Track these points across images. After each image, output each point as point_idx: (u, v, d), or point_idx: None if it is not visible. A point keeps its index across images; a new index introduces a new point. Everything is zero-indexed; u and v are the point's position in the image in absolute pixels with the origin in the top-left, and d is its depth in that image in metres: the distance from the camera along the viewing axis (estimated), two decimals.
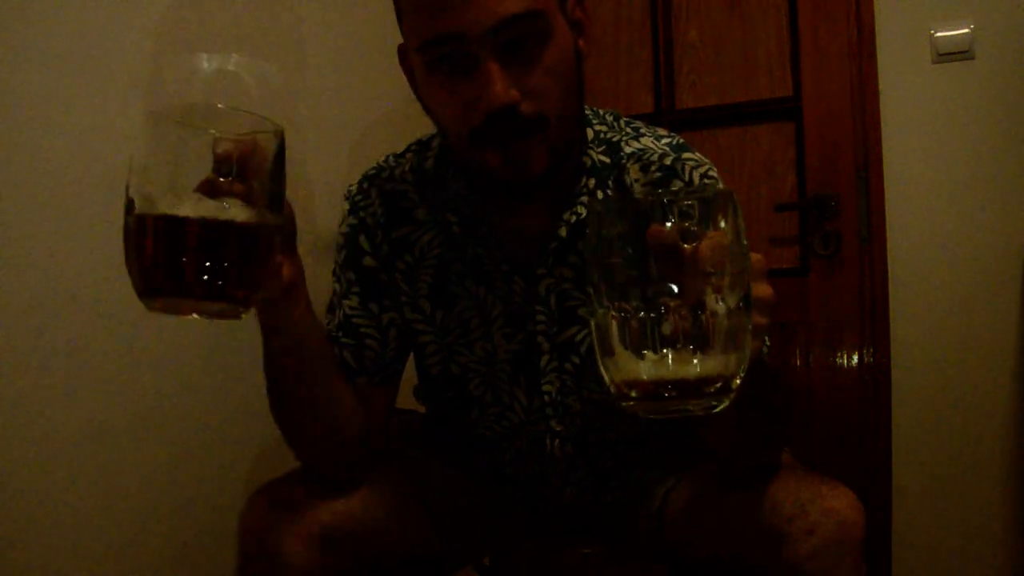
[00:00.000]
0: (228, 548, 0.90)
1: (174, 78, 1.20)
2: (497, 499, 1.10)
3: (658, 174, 0.93)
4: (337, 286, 0.99)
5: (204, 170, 0.62)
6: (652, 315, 0.53)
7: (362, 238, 0.98)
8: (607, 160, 0.95)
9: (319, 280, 1.09)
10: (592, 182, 0.93)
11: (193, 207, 0.60)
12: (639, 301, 0.53)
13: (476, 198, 0.95)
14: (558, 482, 1.05)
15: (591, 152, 0.94)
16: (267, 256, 0.65)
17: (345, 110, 1.62)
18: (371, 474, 0.96)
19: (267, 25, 1.43)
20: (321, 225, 1.46)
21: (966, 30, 1.72)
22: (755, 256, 0.63)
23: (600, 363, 0.57)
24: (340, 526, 0.90)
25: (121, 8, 1.14)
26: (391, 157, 1.03)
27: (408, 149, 1.03)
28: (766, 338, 0.87)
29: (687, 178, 0.92)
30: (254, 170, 0.63)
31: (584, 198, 0.93)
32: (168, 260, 0.60)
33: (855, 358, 1.80)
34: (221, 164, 0.62)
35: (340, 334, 0.96)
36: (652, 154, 0.94)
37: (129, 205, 0.61)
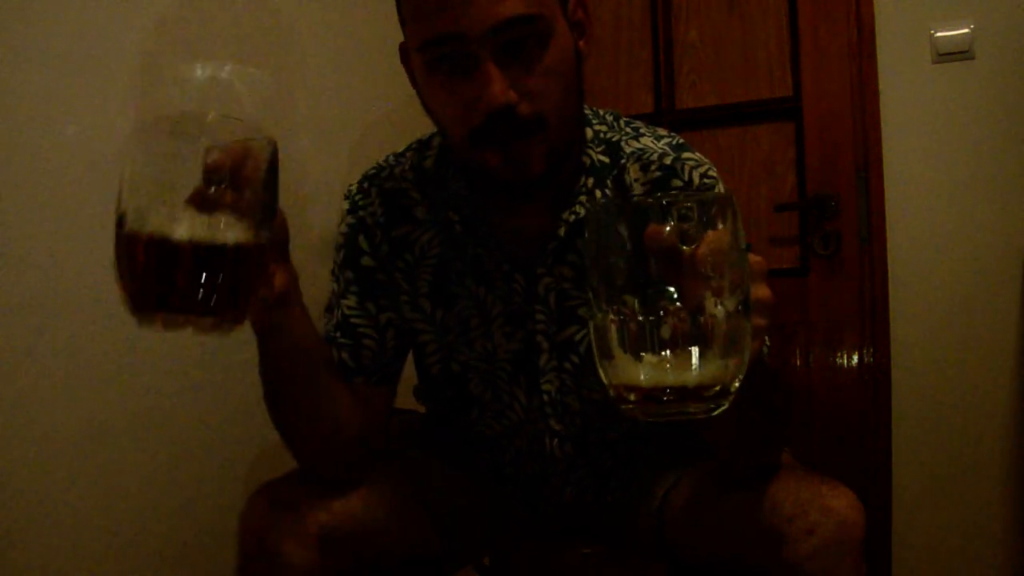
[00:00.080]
0: (228, 548, 0.90)
1: (172, 79, 1.20)
2: (497, 499, 1.10)
3: (658, 174, 0.93)
4: (335, 286, 0.99)
5: (196, 179, 0.61)
6: (651, 318, 0.53)
7: (361, 238, 0.98)
8: (606, 160, 0.95)
9: (319, 280, 1.09)
10: (591, 181, 0.93)
11: (184, 225, 0.59)
12: (638, 304, 0.53)
13: (476, 197, 0.95)
14: (558, 482, 1.05)
15: (590, 152, 0.94)
16: (258, 271, 0.64)
17: (345, 110, 1.62)
18: (371, 474, 0.96)
19: (267, 25, 1.43)
20: (321, 225, 1.46)
21: (966, 30, 1.72)
22: (755, 258, 0.63)
23: (599, 366, 0.57)
24: (340, 526, 0.90)
25: (121, 8, 1.14)
26: (391, 156, 1.03)
27: (408, 148, 1.03)
28: (766, 338, 0.88)
29: (687, 178, 0.92)
30: (246, 180, 0.62)
31: (583, 197, 0.93)
32: (159, 280, 0.59)
33: (855, 358, 1.80)
34: (212, 174, 0.60)
35: (338, 334, 0.96)
36: (652, 154, 0.94)
37: (121, 219, 0.60)
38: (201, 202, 0.60)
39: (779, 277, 1.86)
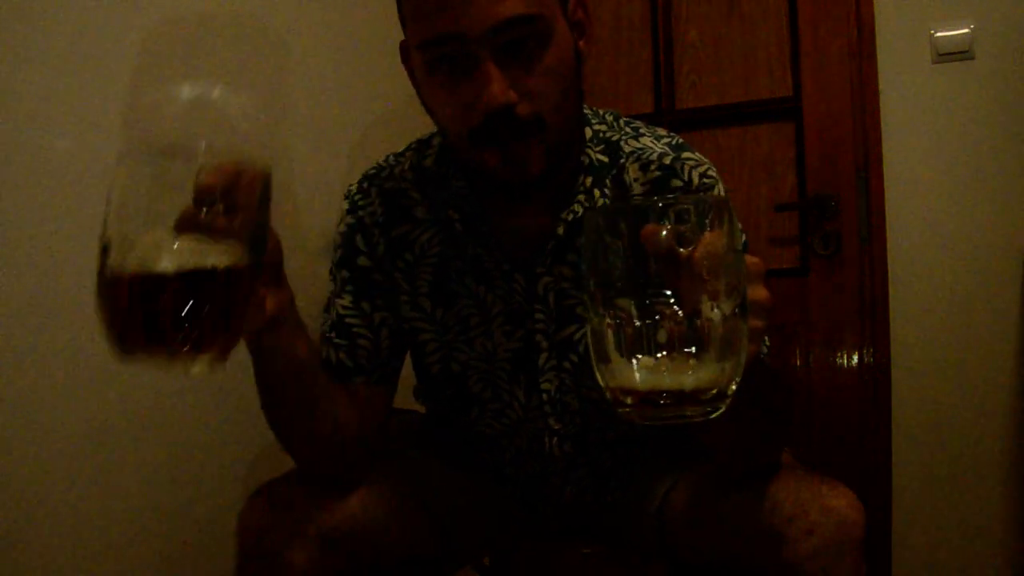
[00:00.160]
0: (228, 548, 0.90)
1: (161, 102, 1.19)
2: (497, 499, 1.10)
3: (657, 173, 0.93)
4: (332, 285, 0.99)
5: (185, 201, 0.59)
6: (647, 322, 0.53)
7: (359, 238, 0.98)
8: (606, 159, 0.95)
9: (319, 280, 1.09)
10: (590, 181, 0.93)
11: (172, 253, 0.56)
12: (634, 308, 0.53)
13: (476, 197, 0.95)
14: (558, 481, 1.05)
15: (589, 151, 0.94)
16: (248, 299, 0.62)
17: (345, 110, 1.62)
18: (370, 474, 0.96)
19: (267, 24, 1.43)
20: (321, 225, 1.46)
21: (966, 30, 1.72)
22: (752, 259, 0.63)
23: (596, 370, 0.57)
24: (339, 526, 0.90)
25: (121, 8, 1.15)
26: (391, 156, 1.03)
27: (408, 148, 1.03)
28: (766, 339, 0.88)
29: (686, 177, 0.92)
30: (238, 202, 0.60)
31: (582, 197, 0.93)
32: (145, 311, 0.57)
33: (855, 358, 1.81)
34: (204, 194, 0.58)
35: (333, 334, 0.96)
36: (651, 153, 0.94)
37: (105, 248, 0.58)
38: (190, 226, 0.58)
39: (779, 277, 1.87)
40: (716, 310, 0.53)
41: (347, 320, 0.97)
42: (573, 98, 0.87)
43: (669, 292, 0.53)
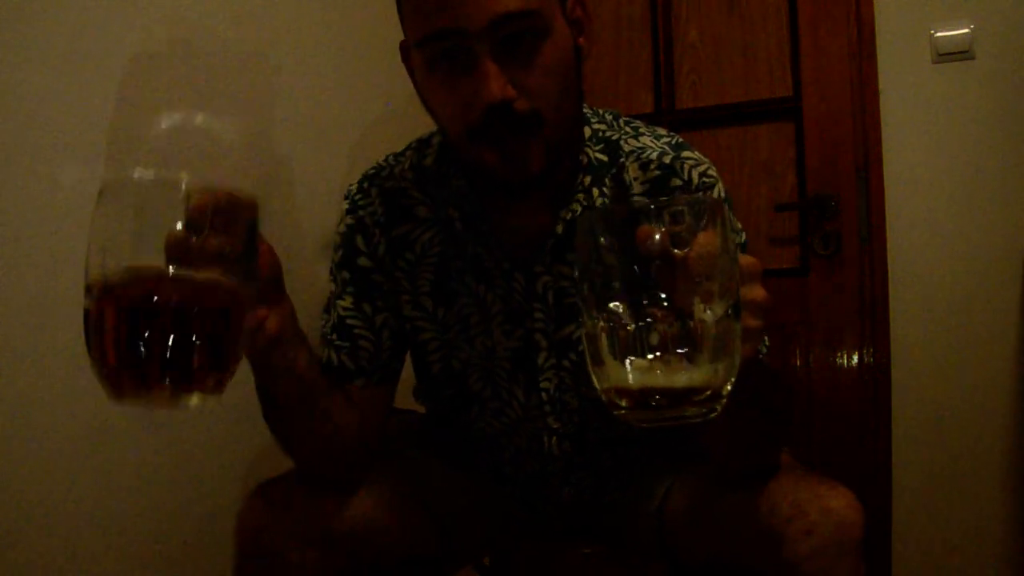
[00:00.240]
0: (228, 548, 0.90)
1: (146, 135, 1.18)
2: (497, 499, 1.10)
3: (657, 172, 0.93)
4: (333, 286, 0.99)
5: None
6: (640, 324, 0.53)
7: (359, 238, 0.98)
8: (605, 158, 0.95)
9: (319, 281, 1.09)
10: (589, 180, 0.93)
11: (158, 293, 0.54)
12: (627, 310, 0.53)
13: (476, 195, 0.95)
14: (557, 481, 1.05)
15: (589, 150, 0.94)
16: (239, 337, 0.60)
17: (345, 110, 1.63)
18: (370, 474, 0.96)
19: (267, 24, 1.43)
20: (321, 225, 1.46)
21: (966, 30, 1.72)
22: (749, 259, 0.63)
23: (591, 372, 0.57)
24: (339, 526, 0.90)
25: (122, 7, 1.15)
26: (391, 156, 1.03)
27: (408, 148, 1.03)
28: (765, 338, 0.88)
29: (686, 177, 0.92)
30: (228, 232, 0.58)
31: (581, 196, 0.93)
32: (130, 358, 0.55)
33: (855, 358, 1.80)
34: (194, 218, 0.56)
35: (334, 336, 0.96)
36: (651, 152, 0.94)
37: (88, 288, 0.56)
38: (180, 253, 0.56)
39: (779, 277, 1.87)
40: (709, 311, 0.53)
41: (348, 321, 0.96)
42: (572, 95, 0.87)
43: (662, 294, 0.53)
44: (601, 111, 1.01)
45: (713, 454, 0.91)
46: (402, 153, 1.03)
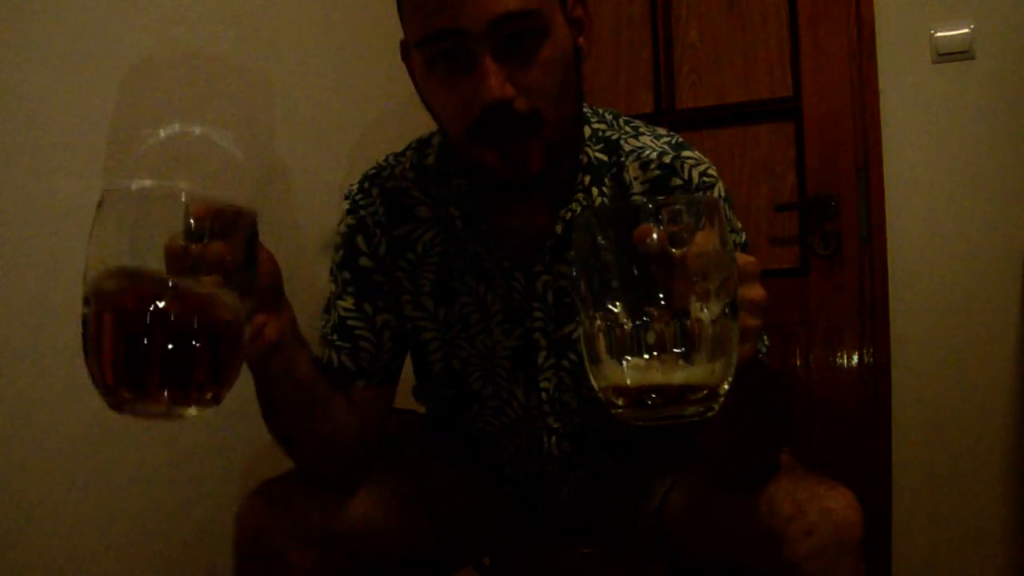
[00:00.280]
0: (228, 548, 0.90)
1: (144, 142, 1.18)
2: (497, 499, 1.10)
3: (657, 172, 0.93)
4: (333, 286, 0.99)
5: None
6: (637, 323, 0.53)
7: (360, 238, 0.98)
8: (605, 158, 0.95)
9: (319, 281, 1.09)
10: (588, 179, 0.93)
11: (156, 311, 0.54)
12: (625, 309, 0.53)
13: (477, 195, 0.95)
14: (556, 481, 1.05)
15: (588, 150, 0.94)
16: (238, 351, 0.60)
17: (345, 110, 1.63)
18: (370, 474, 0.96)
19: (267, 24, 1.43)
20: (321, 225, 1.46)
21: (966, 30, 1.72)
22: (747, 258, 0.63)
23: (588, 371, 0.57)
24: (339, 526, 0.90)
25: (121, 7, 1.15)
26: (391, 156, 1.03)
27: (408, 148, 1.03)
28: (765, 338, 0.88)
29: (686, 176, 0.92)
30: (230, 236, 0.57)
31: (581, 195, 0.93)
32: (129, 371, 0.55)
33: (855, 358, 1.80)
34: (194, 227, 0.56)
35: (335, 336, 0.96)
36: (651, 152, 0.94)
37: (87, 299, 0.56)
38: (180, 262, 0.56)
39: (779, 277, 1.87)
40: (706, 310, 0.53)
41: (349, 322, 0.96)
42: (572, 95, 0.87)
43: (659, 293, 0.53)
44: (601, 111, 1.01)
45: (712, 454, 0.90)
46: (402, 153, 1.03)
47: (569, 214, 0.92)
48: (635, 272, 0.53)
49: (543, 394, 0.99)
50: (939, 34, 1.74)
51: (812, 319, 1.84)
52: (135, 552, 1.14)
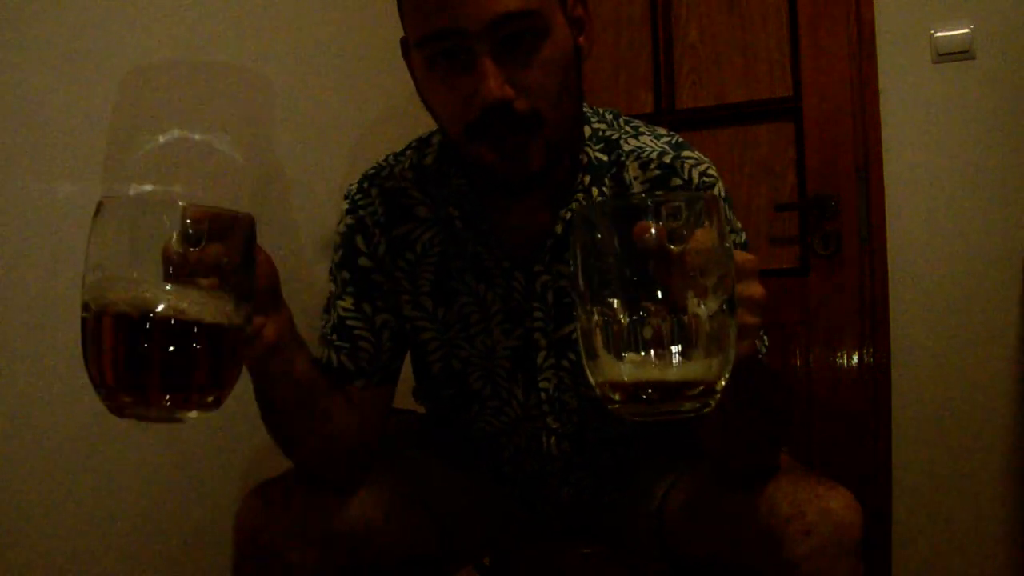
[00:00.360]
0: (228, 548, 0.90)
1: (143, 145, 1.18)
2: (497, 499, 1.10)
3: (657, 172, 0.93)
4: (332, 286, 0.99)
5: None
6: (634, 318, 0.53)
7: (359, 238, 0.98)
8: (605, 158, 0.95)
9: (318, 281, 1.09)
10: (588, 179, 0.93)
11: (158, 302, 0.54)
12: (622, 304, 0.53)
13: (476, 195, 0.95)
14: (556, 481, 1.05)
15: (588, 149, 0.94)
16: (237, 354, 0.60)
17: (345, 110, 1.63)
18: (370, 474, 0.96)
19: (267, 24, 1.43)
20: (321, 225, 1.46)
21: (966, 30, 1.72)
22: (746, 256, 0.63)
23: (585, 366, 0.57)
24: (338, 526, 0.90)
25: (121, 8, 1.15)
26: (390, 156, 1.03)
27: (408, 147, 1.03)
28: (764, 338, 0.88)
29: (686, 176, 0.92)
30: (226, 241, 0.57)
31: (580, 195, 0.93)
32: (129, 376, 0.55)
33: (855, 358, 1.80)
34: (191, 231, 0.56)
35: (334, 336, 0.96)
36: (651, 152, 0.94)
37: (86, 305, 0.56)
38: (177, 266, 0.56)
39: (779, 277, 1.87)
40: (703, 306, 0.53)
41: (348, 322, 0.96)
42: (572, 94, 0.87)
43: (657, 289, 0.53)
44: (601, 110, 1.01)
45: (712, 453, 0.90)
46: (402, 153, 1.03)
47: (569, 214, 0.92)
48: (633, 268, 0.53)
49: (542, 394, 0.99)
50: (939, 34, 1.74)
51: (812, 319, 1.84)
52: (135, 552, 1.14)
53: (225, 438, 1.29)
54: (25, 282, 1.01)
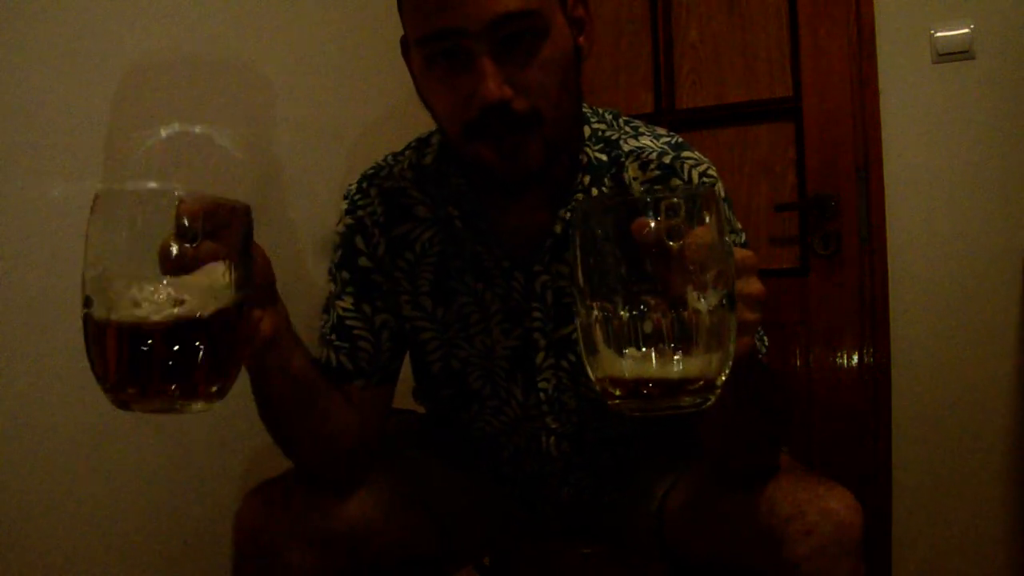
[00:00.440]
0: (228, 548, 0.90)
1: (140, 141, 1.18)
2: (496, 499, 1.10)
3: (657, 172, 0.93)
4: (332, 286, 0.99)
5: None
6: (634, 313, 0.53)
7: (358, 238, 0.98)
8: (604, 158, 0.95)
9: (318, 281, 1.09)
10: (588, 179, 0.93)
11: (156, 308, 0.54)
12: (622, 299, 0.53)
13: (476, 194, 0.95)
14: (555, 481, 1.05)
15: (588, 149, 0.94)
16: (237, 343, 0.60)
17: (345, 110, 1.63)
18: (370, 474, 0.96)
19: (267, 24, 1.43)
20: (320, 224, 1.46)
21: (966, 30, 1.72)
22: (745, 253, 0.63)
23: (585, 362, 0.57)
24: (338, 526, 0.90)
25: (121, 7, 1.15)
26: (390, 156, 1.03)
27: (407, 147, 1.03)
28: (764, 337, 0.88)
29: (686, 176, 0.92)
30: (221, 239, 0.57)
31: (580, 195, 0.93)
32: (136, 371, 0.55)
33: (855, 358, 1.80)
34: (187, 225, 0.56)
35: (333, 336, 0.96)
36: (651, 152, 0.94)
37: (87, 300, 0.56)
38: (174, 262, 0.56)
39: (779, 277, 1.87)
40: (703, 301, 0.53)
41: (348, 322, 0.96)
42: (571, 94, 0.87)
43: (657, 284, 0.53)
44: (601, 110, 1.01)
45: (712, 453, 0.90)
46: (401, 152, 1.03)
47: (568, 214, 0.92)
48: (632, 263, 0.53)
49: (542, 394, 0.99)
50: (939, 34, 1.74)
51: (812, 319, 1.84)
52: (135, 552, 1.14)
53: (225, 438, 1.29)
54: (25, 282, 1.01)
